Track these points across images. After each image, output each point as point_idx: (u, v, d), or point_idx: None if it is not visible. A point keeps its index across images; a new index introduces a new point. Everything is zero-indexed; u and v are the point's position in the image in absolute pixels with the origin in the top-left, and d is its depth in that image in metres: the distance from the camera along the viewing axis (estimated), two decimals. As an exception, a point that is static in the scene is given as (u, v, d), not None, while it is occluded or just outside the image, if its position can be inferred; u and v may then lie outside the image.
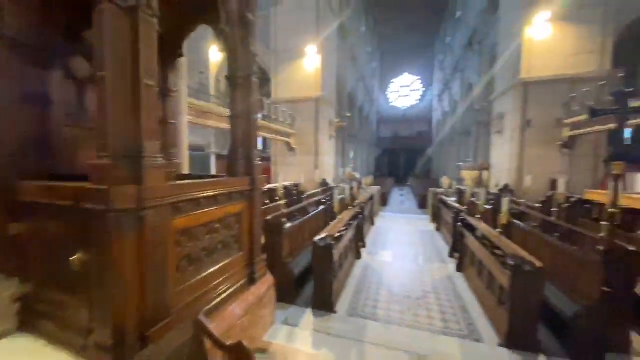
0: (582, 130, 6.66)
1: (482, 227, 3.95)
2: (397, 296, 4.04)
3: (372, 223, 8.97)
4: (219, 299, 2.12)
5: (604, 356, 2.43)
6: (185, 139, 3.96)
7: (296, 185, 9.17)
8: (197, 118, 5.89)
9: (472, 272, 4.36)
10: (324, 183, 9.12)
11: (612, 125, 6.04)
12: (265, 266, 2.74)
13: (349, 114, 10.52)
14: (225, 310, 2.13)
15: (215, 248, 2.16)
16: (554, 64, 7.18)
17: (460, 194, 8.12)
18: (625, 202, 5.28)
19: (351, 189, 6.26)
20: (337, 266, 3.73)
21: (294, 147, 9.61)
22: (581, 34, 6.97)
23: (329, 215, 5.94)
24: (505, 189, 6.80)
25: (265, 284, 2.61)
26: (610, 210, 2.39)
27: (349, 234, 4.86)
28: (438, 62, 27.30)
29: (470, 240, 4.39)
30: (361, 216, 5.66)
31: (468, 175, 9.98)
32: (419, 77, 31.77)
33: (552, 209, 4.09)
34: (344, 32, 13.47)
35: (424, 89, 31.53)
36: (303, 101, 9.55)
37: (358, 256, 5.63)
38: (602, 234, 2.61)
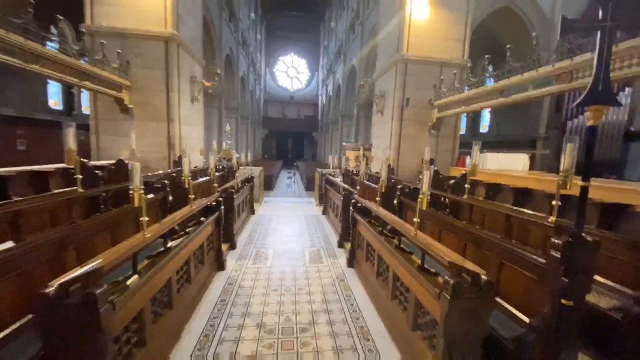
0: (446, 112, 7.08)
1: (391, 218, 2.87)
2: (270, 336, 2.50)
3: (252, 212, 7.22)
4: None
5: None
6: None
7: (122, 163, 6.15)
8: None
9: (369, 271, 3.36)
10: (179, 161, 6.52)
11: (466, 108, 6.58)
12: None
13: (218, 71, 8.02)
14: None
15: None
16: (429, 45, 7.33)
17: (347, 174, 7.48)
18: (484, 177, 5.69)
19: (206, 169, 4.20)
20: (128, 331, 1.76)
21: (129, 106, 6.37)
22: (451, 20, 7.35)
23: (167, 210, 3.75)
24: (389, 168, 6.50)
25: None
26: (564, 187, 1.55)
27: (195, 241, 2.91)
28: (323, 47, 27.66)
29: (368, 233, 3.35)
30: (223, 207, 3.77)
31: (352, 154, 9.70)
32: (304, 59, 31.47)
33: (446, 187, 3.59)
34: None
35: (309, 74, 31.56)
36: (144, 38, 6.36)
37: (220, 267, 3.77)
38: (552, 218, 1.89)
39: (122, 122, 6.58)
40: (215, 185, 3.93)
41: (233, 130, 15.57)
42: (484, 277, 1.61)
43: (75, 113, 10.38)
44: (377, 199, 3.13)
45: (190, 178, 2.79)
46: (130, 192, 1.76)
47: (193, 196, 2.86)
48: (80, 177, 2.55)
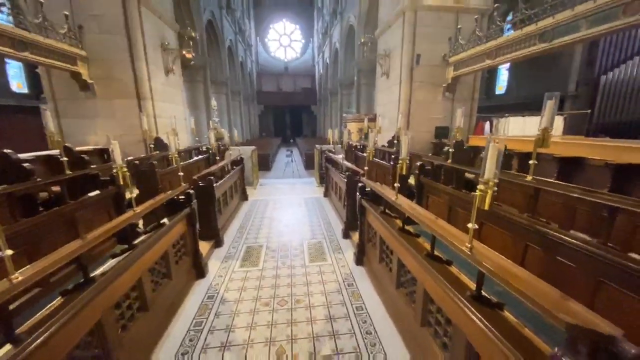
0: (464, 70, 5.98)
1: (428, 221, 1.94)
2: (258, 381, 1.82)
3: (245, 198, 6.48)
4: None
5: None
6: None
7: (102, 151, 5.34)
8: None
9: (384, 275, 2.64)
10: (159, 143, 5.66)
11: (492, 62, 5.49)
12: None
13: (193, 34, 6.80)
14: None
15: None
16: (443, -13, 6.05)
17: (350, 150, 6.60)
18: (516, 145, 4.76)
19: (173, 154, 3.34)
20: None
21: (89, 82, 5.40)
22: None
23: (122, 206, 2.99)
24: (398, 140, 5.60)
25: None
26: None
27: (151, 254, 2.16)
28: (317, 10, 25.27)
29: (382, 228, 2.57)
30: (196, 200, 2.99)
31: (354, 127, 8.73)
32: (297, 25, 28.99)
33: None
34: None
35: (304, 41, 29.22)
36: (95, -5, 5.22)
37: (199, 274, 3.07)
38: None
39: (85, 102, 5.65)
40: (181, 174, 3.11)
41: (223, 107, 14.42)
42: (629, 348, 0.83)
43: (44, 96, 9.32)
44: (396, 184, 2.30)
45: (125, 169, 1.98)
46: None
47: (134, 195, 2.06)
48: None
